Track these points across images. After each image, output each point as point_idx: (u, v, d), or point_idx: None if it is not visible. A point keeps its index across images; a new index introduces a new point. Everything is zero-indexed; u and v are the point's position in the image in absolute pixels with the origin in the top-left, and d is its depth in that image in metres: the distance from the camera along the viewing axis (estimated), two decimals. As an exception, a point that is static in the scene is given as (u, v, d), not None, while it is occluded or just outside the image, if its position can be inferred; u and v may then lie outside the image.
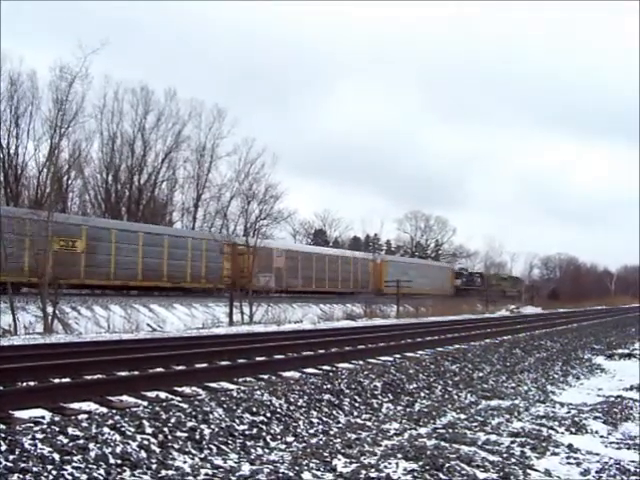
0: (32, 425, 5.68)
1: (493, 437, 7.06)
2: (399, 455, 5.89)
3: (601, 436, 7.70)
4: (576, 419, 8.44)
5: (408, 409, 9.00)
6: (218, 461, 5.70)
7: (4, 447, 4.90)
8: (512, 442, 6.83)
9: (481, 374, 12.57)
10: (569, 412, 9.07)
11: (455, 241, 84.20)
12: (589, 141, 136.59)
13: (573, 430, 7.86)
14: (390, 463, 5.63)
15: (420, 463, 5.61)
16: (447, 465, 5.55)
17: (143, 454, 5.42)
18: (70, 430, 5.49)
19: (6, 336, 17.07)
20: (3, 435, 5.14)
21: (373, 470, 5.40)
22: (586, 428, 8.02)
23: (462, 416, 8.51)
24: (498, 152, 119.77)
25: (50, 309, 20.36)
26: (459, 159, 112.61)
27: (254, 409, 7.16)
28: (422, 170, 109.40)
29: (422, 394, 10.08)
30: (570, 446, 6.89)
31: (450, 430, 7.37)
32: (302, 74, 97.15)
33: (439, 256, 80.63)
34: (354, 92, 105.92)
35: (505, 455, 6.24)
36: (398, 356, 13.17)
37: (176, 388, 8.39)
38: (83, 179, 44.36)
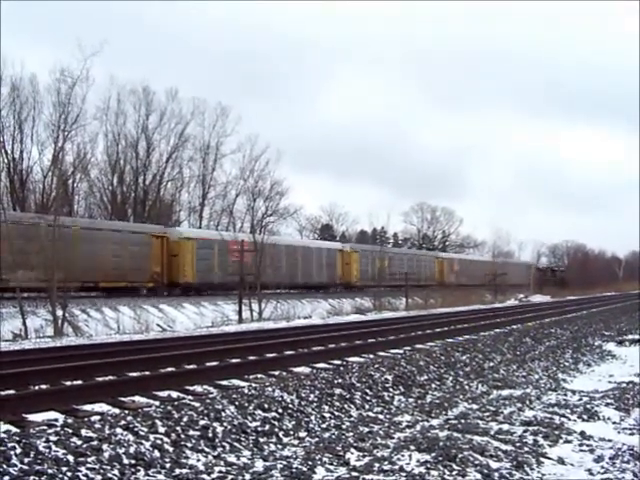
0: (46, 428, 5.73)
1: (505, 426, 7.04)
2: (412, 447, 5.89)
3: (613, 422, 7.67)
4: (588, 406, 8.40)
5: (420, 401, 9.02)
6: (231, 458, 5.73)
7: (19, 450, 4.93)
8: (525, 431, 6.81)
9: (492, 364, 12.58)
10: (581, 399, 9.04)
11: (462, 231, 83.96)
12: (591, 125, 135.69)
13: (585, 417, 7.83)
14: (403, 455, 5.63)
15: (433, 454, 5.60)
16: (460, 455, 5.54)
17: (157, 453, 5.47)
18: (83, 432, 5.53)
19: (17, 340, 17.23)
20: (17, 438, 5.17)
21: (386, 462, 5.41)
22: (598, 415, 7.97)
23: (474, 406, 8.51)
24: (498, 139, 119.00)
25: (60, 312, 20.50)
26: (461, 148, 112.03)
27: (266, 405, 7.21)
28: (426, 161, 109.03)
29: (433, 385, 10.11)
30: (583, 433, 6.89)
31: (462, 421, 7.35)
32: (301, 67, 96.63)
33: (446, 247, 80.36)
34: (354, 86, 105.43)
35: (518, 444, 6.22)
36: (408, 348, 13.18)
37: (187, 387, 8.45)
38: (88, 182, 44.61)
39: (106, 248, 28.13)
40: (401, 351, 12.76)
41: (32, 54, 61.16)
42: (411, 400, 9.03)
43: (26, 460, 4.82)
